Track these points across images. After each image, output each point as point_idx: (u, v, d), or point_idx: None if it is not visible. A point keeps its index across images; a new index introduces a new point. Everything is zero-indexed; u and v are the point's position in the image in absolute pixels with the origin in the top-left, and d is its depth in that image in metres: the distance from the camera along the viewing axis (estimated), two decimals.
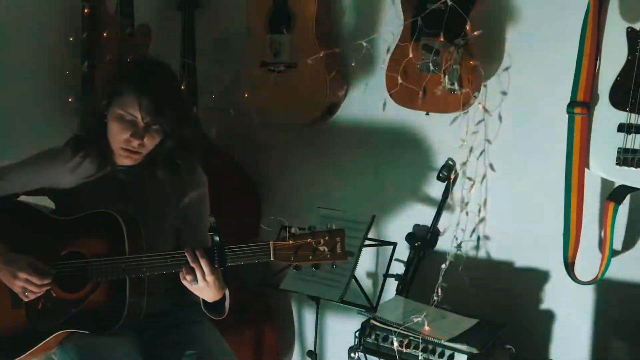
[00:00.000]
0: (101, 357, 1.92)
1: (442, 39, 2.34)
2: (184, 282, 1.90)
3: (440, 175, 2.56)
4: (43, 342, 1.98)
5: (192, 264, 1.87)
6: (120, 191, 2.08)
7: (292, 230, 1.83)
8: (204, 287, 1.90)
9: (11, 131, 2.52)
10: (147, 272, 1.92)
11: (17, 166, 2.10)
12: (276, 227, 2.43)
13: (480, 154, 2.53)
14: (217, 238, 1.86)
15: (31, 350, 2.00)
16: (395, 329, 2.29)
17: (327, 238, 1.82)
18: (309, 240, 1.82)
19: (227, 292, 2.00)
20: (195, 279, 1.88)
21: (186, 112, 2.08)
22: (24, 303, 1.98)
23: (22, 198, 2.12)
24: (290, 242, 1.82)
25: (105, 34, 2.65)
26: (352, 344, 2.40)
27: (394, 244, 2.40)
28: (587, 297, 2.40)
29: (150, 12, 2.89)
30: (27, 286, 1.93)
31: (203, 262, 1.87)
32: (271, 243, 1.84)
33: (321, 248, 1.81)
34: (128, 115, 1.96)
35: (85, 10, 2.60)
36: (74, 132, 2.14)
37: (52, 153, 2.11)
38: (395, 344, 2.29)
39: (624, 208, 2.26)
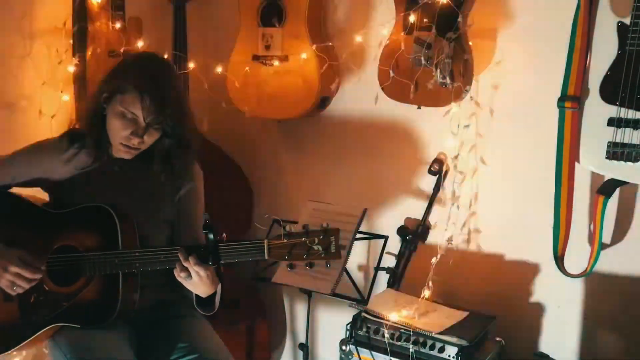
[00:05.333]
0: (93, 351, 1.91)
1: (434, 33, 2.34)
2: (179, 278, 1.91)
3: (432, 168, 2.55)
4: (34, 335, 1.97)
5: (184, 264, 1.87)
6: (115, 183, 2.07)
7: (287, 228, 1.82)
8: (197, 282, 1.90)
9: (2, 124, 2.51)
10: (141, 268, 1.92)
11: (10, 157, 2.09)
12: (269, 224, 2.43)
13: (472, 147, 2.53)
14: (211, 236, 1.86)
15: (22, 344, 1.99)
16: (387, 322, 2.30)
17: (321, 237, 1.81)
18: (303, 239, 1.82)
19: (219, 287, 2.00)
20: (189, 275, 1.88)
21: (186, 111, 2.05)
22: (16, 296, 1.97)
23: (16, 190, 2.10)
24: (285, 241, 1.82)
25: (96, 27, 2.63)
26: (344, 336, 2.41)
27: (386, 237, 2.41)
28: (576, 290, 2.42)
29: (142, 4, 2.88)
30: (17, 280, 1.92)
31: (196, 261, 1.87)
32: (265, 242, 1.84)
33: (315, 247, 1.80)
34: (130, 114, 1.94)
35: (77, 2, 2.59)
36: (68, 124, 2.12)
37: (47, 144, 2.10)
38: (386, 336, 2.30)
39: (613, 202, 2.27)
